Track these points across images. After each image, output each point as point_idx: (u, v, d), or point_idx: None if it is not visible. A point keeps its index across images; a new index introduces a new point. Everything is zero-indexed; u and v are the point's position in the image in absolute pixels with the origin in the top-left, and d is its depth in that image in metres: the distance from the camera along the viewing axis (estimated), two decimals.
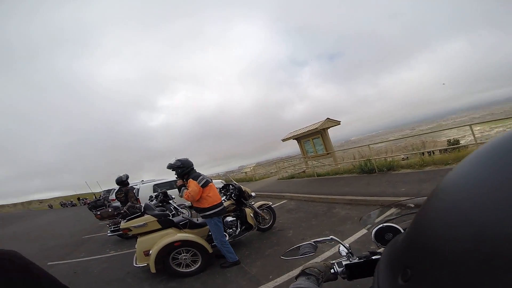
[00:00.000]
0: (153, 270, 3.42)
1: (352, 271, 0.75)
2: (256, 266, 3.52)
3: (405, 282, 0.26)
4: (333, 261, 0.78)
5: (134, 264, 3.70)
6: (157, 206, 5.81)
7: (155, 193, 7.46)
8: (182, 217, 4.47)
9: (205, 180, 3.61)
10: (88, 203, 8.42)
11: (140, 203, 5.77)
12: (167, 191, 7.35)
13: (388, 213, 1.03)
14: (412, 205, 1.04)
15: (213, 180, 8.60)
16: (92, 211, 7.34)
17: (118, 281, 3.97)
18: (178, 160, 3.71)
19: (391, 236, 0.80)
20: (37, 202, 72.99)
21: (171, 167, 3.71)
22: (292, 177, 11.88)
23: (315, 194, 6.92)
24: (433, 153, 8.85)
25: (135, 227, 3.66)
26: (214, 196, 3.64)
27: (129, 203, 4.81)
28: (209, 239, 3.87)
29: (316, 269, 0.70)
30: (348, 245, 0.83)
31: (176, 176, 3.82)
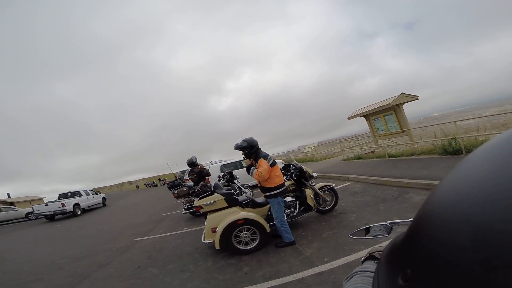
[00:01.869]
0: (217, 246, 3.70)
1: None
2: (311, 248, 3.49)
3: (405, 282, 0.26)
4: None
5: (202, 241, 4.08)
6: (224, 186, 6.29)
7: (222, 173, 7.98)
8: (246, 196, 4.70)
9: (273, 159, 3.70)
10: (168, 183, 9.68)
11: (210, 183, 6.33)
12: (233, 171, 7.83)
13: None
14: None
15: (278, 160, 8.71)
16: (171, 190, 8.41)
17: (188, 255, 4.35)
18: (244, 140, 3.77)
19: None
20: (128, 183, 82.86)
21: (238, 147, 3.79)
22: (358, 157, 11.02)
23: (385, 177, 6.28)
24: None
25: (206, 204, 4.01)
26: (280, 176, 3.73)
27: (202, 183, 5.29)
28: (267, 218, 4.00)
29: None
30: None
31: (243, 156, 3.95)
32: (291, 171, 4.73)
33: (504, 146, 0.25)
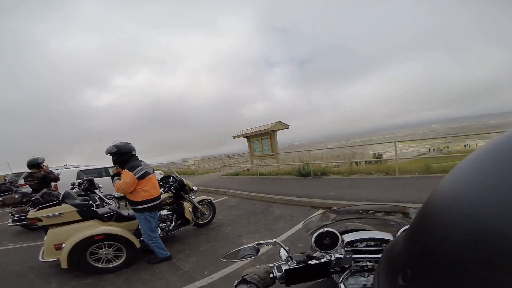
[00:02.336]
0: (64, 265, 3.04)
1: (291, 276, 0.76)
2: (190, 262, 3.45)
3: (405, 282, 0.26)
4: (273, 265, 0.79)
5: (40, 259, 3.25)
6: (79, 195, 5.23)
7: (79, 181, 6.61)
8: (109, 208, 4.12)
9: (143, 171, 3.33)
10: None
11: (58, 191, 5.11)
12: (94, 179, 6.64)
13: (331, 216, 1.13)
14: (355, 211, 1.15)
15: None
16: None
17: (17, 277, 3.45)
18: (114, 145, 3.35)
19: (329, 241, 0.81)
20: None
21: (107, 152, 3.36)
22: (236, 174, 12.11)
23: (256, 193, 7.21)
24: (360, 163, 10.17)
25: (47, 217, 3.21)
26: (150, 190, 3.39)
27: (44, 189, 4.22)
28: (138, 233, 3.64)
29: (256, 276, 0.69)
30: (288, 249, 0.83)
31: (111, 173, 3.54)
32: (171, 183, 4.60)
33: (504, 147, 0.25)
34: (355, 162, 9.42)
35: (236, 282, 0.70)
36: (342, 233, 0.87)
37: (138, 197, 3.30)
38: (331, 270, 0.80)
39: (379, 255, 0.76)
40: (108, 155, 3.39)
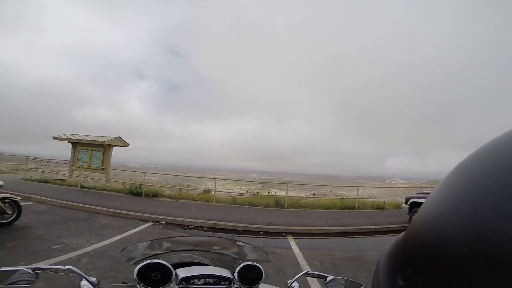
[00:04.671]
0: None
1: None
2: None
3: (405, 282, 0.26)
4: None
5: None
6: None
7: None
8: None
9: None
10: None
11: None
12: None
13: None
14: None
15: None
16: None
17: None
18: None
19: (159, 275, 0.71)
20: None
21: None
22: (45, 181, 9.88)
23: (75, 202, 6.65)
24: (191, 193, 11.69)
25: None
26: None
27: None
28: None
29: None
30: (95, 279, 0.69)
31: None
32: None
33: (504, 146, 0.25)
34: (187, 191, 10.74)
35: None
36: (176, 267, 0.78)
37: None
38: None
39: None
40: None
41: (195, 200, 8.83)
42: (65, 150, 11.54)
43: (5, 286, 0.60)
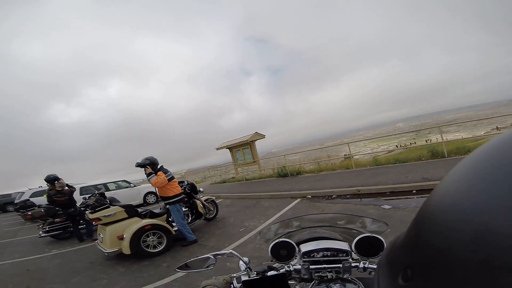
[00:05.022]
0: (127, 251, 4.17)
1: (249, 287, 0.78)
2: (212, 241, 4.83)
3: (405, 282, 0.27)
4: (234, 275, 0.81)
5: (105, 251, 4.29)
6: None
7: (90, 194, 7.58)
8: (142, 208, 5.37)
9: (171, 175, 4.82)
10: (14, 204, 7.87)
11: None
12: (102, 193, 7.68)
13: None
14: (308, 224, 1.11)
15: (142, 185, 9.74)
16: (19, 212, 7.13)
17: (88, 269, 4.35)
18: (146, 158, 4.73)
19: (285, 252, 0.83)
20: None
21: (140, 165, 4.66)
22: (224, 181, 13.56)
23: (245, 193, 8.79)
24: (331, 163, 12.20)
25: (105, 216, 4.44)
26: (176, 188, 4.82)
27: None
28: (168, 224, 4.87)
29: (215, 287, 0.70)
30: (247, 259, 0.84)
31: (145, 172, 4.69)
32: (184, 185, 5.79)
33: (504, 147, 0.25)
34: (328, 161, 11.30)
35: None
36: (300, 243, 0.89)
37: (170, 193, 4.72)
38: (289, 281, 0.81)
39: (338, 265, 0.80)
40: (140, 167, 4.69)
41: (335, 170, 9.23)
42: (226, 155, 15.14)
43: (201, 270, 0.88)
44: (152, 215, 5.01)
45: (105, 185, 10.47)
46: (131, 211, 4.75)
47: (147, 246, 4.48)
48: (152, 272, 3.83)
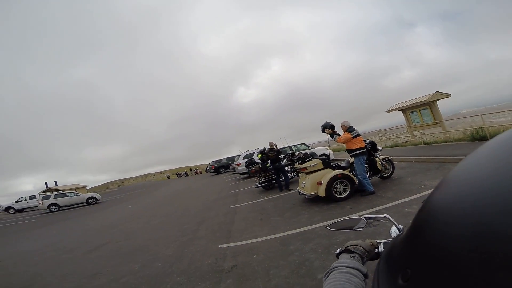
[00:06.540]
0: (322, 194, 5.35)
1: None
2: (389, 194, 5.29)
3: (405, 282, 0.27)
4: (380, 241, 0.75)
5: (306, 194, 5.64)
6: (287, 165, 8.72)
7: (284, 155, 10.08)
8: (332, 159, 6.66)
9: (357, 133, 5.56)
10: (248, 161, 11.71)
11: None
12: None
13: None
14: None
15: (317, 148, 11.22)
16: (249, 167, 10.68)
17: (292, 209, 5.75)
18: (323, 125, 5.84)
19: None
20: (151, 175, 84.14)
21: (327, 126, 5.80)
22: (395, 145, 12.92)
23: (425, 156, 8.21)
24: None
25: (310, 166, 5.92)
26: (361, 143, 5.55)
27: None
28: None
29: (361, 248, 0.67)
30: (401, 227, 0.77)
31: (327, 131, 5.85)
32: (366, 143, 6.03)
33: (505, 146, 0.26)
34: None
35: (338, 250, 0.69)
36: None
37: (355, 146, 5.56)
38: None
39: None
40: (327, 127, 5.81)
41: None
42: (397, 117, 14.03)
43: (351, 230, 0.85)
44: (339, 167, 5.97)
45: (290, 148, 13.34)
46: (326, 163, 5.89)
47: (335, 192, 5.55)
48: (339, 211, 4.89)
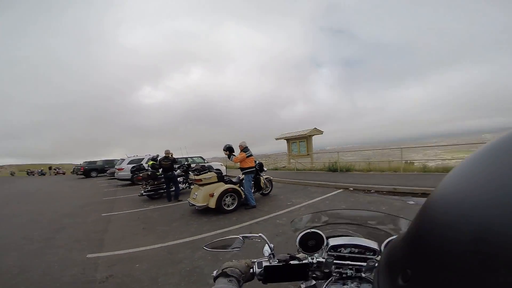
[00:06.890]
0: (212, 206, 5.76)
1: (269, 274, 0.76)
2: (266, 208, 6.31)
3: (405, 282, 0.27)
4: (255, 260, 0.78)
5: (196, 205, 5.90)
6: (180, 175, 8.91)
7: (179, 165, 10.08)
8: (225, 175, 7.21)
9: (250, 154, 6.48)
10: (134, 167, 10.74)
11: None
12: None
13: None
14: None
15: (213, 163, 12.20)
16: (136, 173, 9.89)
17: (182, 218, 5.77)
18: (228, 144, 6.58)
19: (313, 242, 0.81)
20: None
21: (226, 148, 6.53)
22: (275, 168, 15.20)
23: (295, 180, 10.18)
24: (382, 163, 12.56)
25: (205, 178, 6.23)
26: (251, 163, 6.48)
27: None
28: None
29: (237, 270, 0.67)
30: (272, 246, 0.82)
31: (225, 152, 6.57)
32: (256, 163, 7.01)
33: (505, 147, 0.25)
34: (380, 163, 11.74)
35: (215, 273, 0.68)
36: (329, 237, 0.87)
37: (247, 165, 6.40)
38: (310, 273, 0.80)
39: (362, 263, 0.79)
40: (226, 150, 6.53)
41: (383, 171, 9.83)
42: (282, 145, 16.66)
43: (228, 250, 0.87)
44: (231, 182, 6.53)
45: (186, 159, 13.25)
46: (220, 177, 6.39)
47: (224, 204, 6.05)
48: (226, 222, 5.31)
